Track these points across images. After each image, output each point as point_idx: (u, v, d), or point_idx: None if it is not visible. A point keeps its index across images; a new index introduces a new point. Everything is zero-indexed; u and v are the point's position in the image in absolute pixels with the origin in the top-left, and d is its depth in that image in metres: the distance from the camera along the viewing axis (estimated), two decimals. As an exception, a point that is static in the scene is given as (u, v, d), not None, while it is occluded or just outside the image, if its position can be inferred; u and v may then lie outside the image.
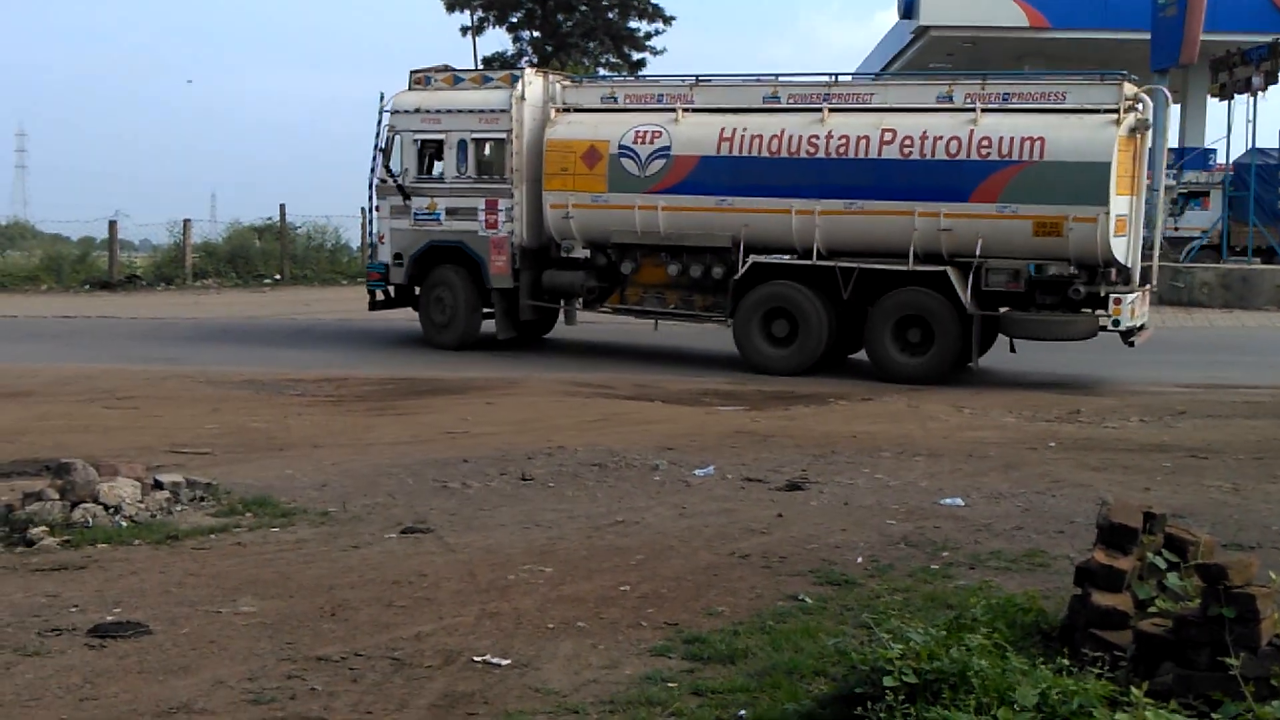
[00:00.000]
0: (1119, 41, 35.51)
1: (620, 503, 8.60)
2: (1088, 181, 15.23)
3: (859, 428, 11.91)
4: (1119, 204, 15.29)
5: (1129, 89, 15.62)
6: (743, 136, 17.16)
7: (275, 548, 7.39)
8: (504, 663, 5.44)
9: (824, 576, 6.79)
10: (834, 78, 17.46)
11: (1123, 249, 15.57)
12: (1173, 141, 34.56)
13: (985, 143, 15.78)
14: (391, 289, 19.75)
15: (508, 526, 7.92)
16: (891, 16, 39.69)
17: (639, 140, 17.76)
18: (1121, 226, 15.46)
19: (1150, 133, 15.68)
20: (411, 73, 19.58)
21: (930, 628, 4.69)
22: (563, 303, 19.10)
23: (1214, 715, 4.05)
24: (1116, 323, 15.41)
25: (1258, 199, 33.20)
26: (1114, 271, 15.61)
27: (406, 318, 20.16)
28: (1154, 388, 15.02)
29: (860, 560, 7.14)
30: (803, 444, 10.92)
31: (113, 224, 32.73)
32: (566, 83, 19.27)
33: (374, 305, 20.12)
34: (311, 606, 6.22)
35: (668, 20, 50.60)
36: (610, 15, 50.77)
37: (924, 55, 39.30)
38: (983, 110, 15.96)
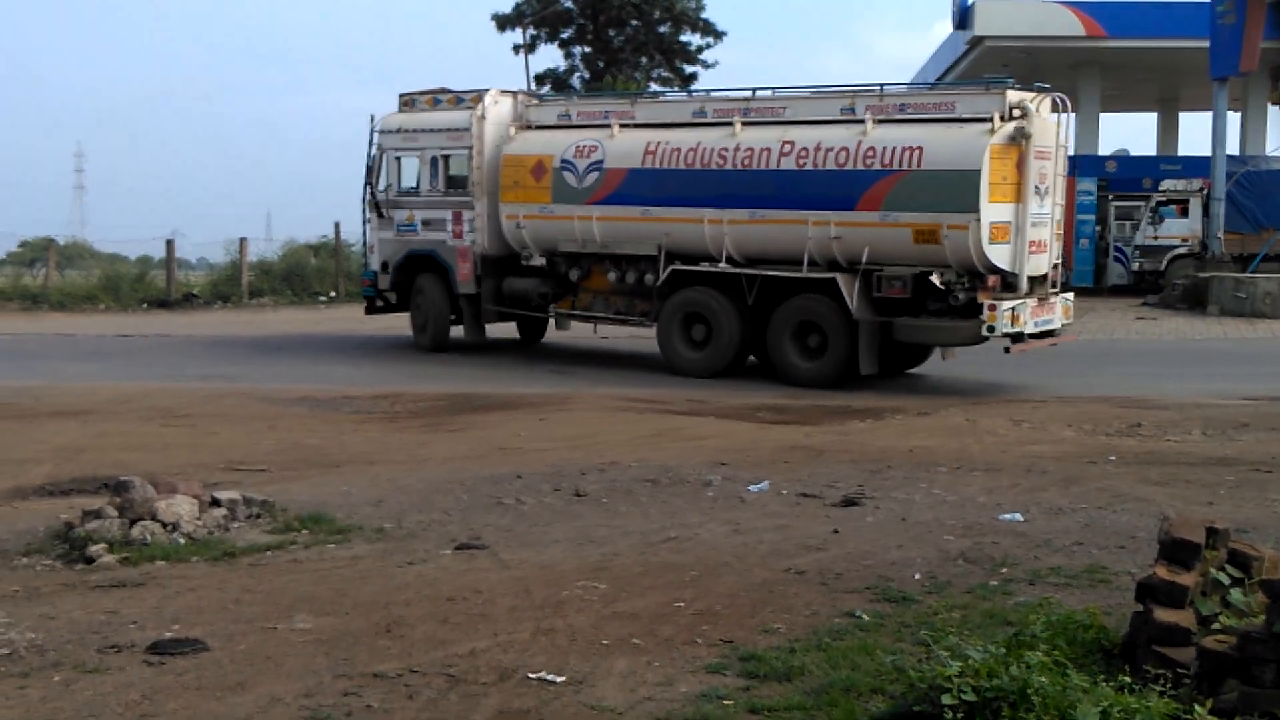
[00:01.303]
0: (1177, 50, 35.23)
1: (674, 519, 8.57)
2: (960, 189, 15.64)
3: (915, 442, 11.82)
4: (994, 211, 15.64)
5: (1013, 97, 16.02)
6: (665, 150, 18.11)
7: (331, 564, 7.42)
8: (559, 680, 5.43)
9: (881, 593, 6.73)
10: (753, 93, 18.25)
11: (1004, 256, 15.85)
12: (1233, 149, 34.27)
13: (870, 153, 16.34)
14: (392, 296, 21.48)
15: (561, 543, 7.91)
16: (949, 27, 39.50)
17: (578, 154, 18.96)
18: (1000, 234, 15.79)
19: (1030, 141, 15.85)
20: (400, 95, 21.33)
21: (989, 645, 4.64)
22: (551, 310, 20.04)
23: (1281, 735, 3.97)
24: (992, 329, 15.73)
25: (1241, 207, 33.06)
26: (993, 278, 15.79)
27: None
28: (1216, 400, 14.81)
29: (918, 577, 7.08)
30: (858, 459, 10.85)
31: (170, 243, 33.12)
32: (533, 101, 20.70)
33: (370, 310, 22.05)
34: (367, 623, 6.24)
35: (718, 35, 50.67)
36: (661, 30, 50.87)
37: (978, 66, 39.09)
38: (875, 122, 16.53)
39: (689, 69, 51.41)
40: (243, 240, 33.17)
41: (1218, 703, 4.14)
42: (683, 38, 51.23)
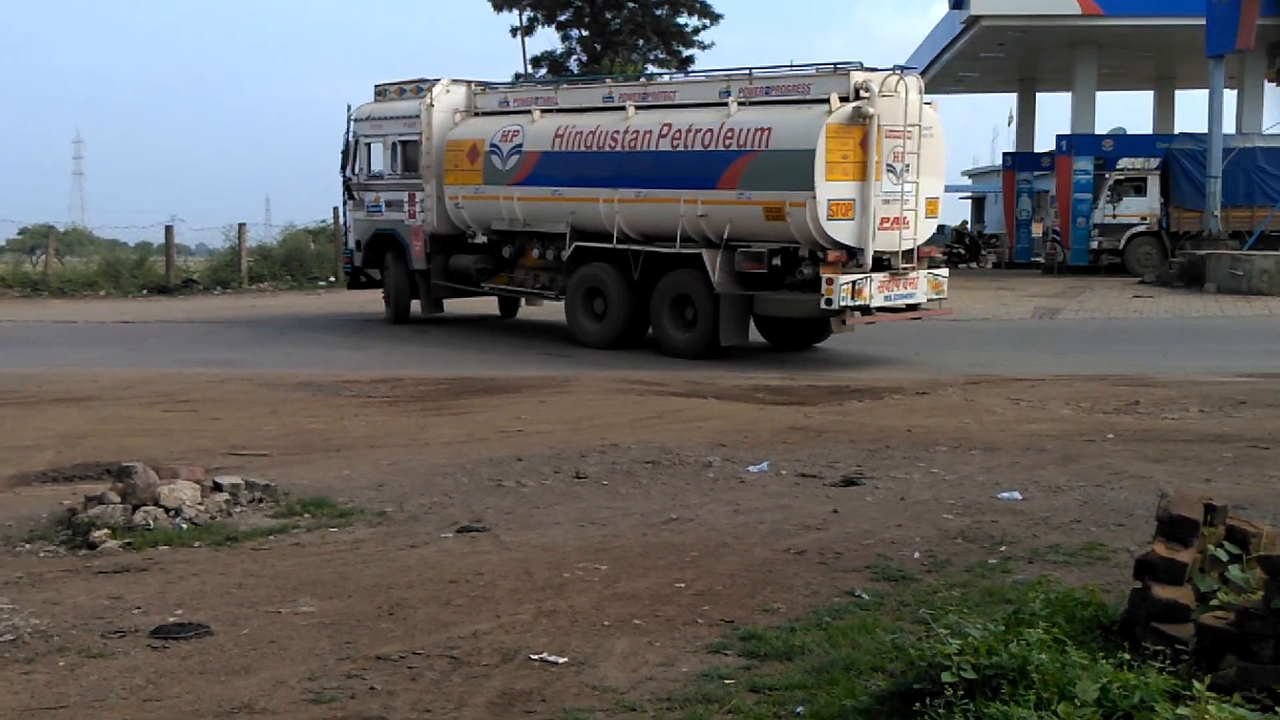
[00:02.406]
0: (1173, 28, 35.14)
1: (674, 500, 8.60)
2: (799, 168, 16.31)
3: (914, 422, 11.85)
4: (833, 189, 16.28)
5: (858, 78, 16.62)
6: (570, 134, 19.38)
7: (333, 548, 7.45)
8: (561, 660, 5.46)
9: (881, 572, 6.76)
10: (648, 78, 19.70)
11: (846, 232, 16.43)
12: (1229, 128, 34.25)
13: (729, 135, 17.24)
14: (376, 273, 23.16)
15: (563, 524, 7.94)
16: (946, 7, 39.40)
17: (503, 139, 20.37)
18: (840, 211, 16.41)
19: (876, 120, 16.41)
20: (375, 86, 23.04)
21: (989, 623, 4.66)
22: (485, 285, 21.42)
23: (1277, 709, 3.99)
24: (830, 302, 16.29)
25: (1196, 184, 33.19)
26: (835, 254, 16.37)
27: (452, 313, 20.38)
28: (1214, 378, 14.83)
29: (917, 555, 7.11)
30: (857, 439, 10.88)
31: (169, 229, 33.10)
32: (479, 90, 21.89)
33: (353, 285, 24.23)
34: (370, 606, 6.27)
35: (715, 18, 50.54)
36: (658, 12, 50.74)
37: (975, 45, 39.04)
38: (739, 105, 17.40)
39: (686, 51, 51.29)
40: (242, 226, 33.16)
41: (1216, 678, 4.16)
42: (679, 20, 51.10)
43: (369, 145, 22.96)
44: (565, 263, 19.33)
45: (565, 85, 21.64)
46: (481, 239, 21.06)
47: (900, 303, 17.24)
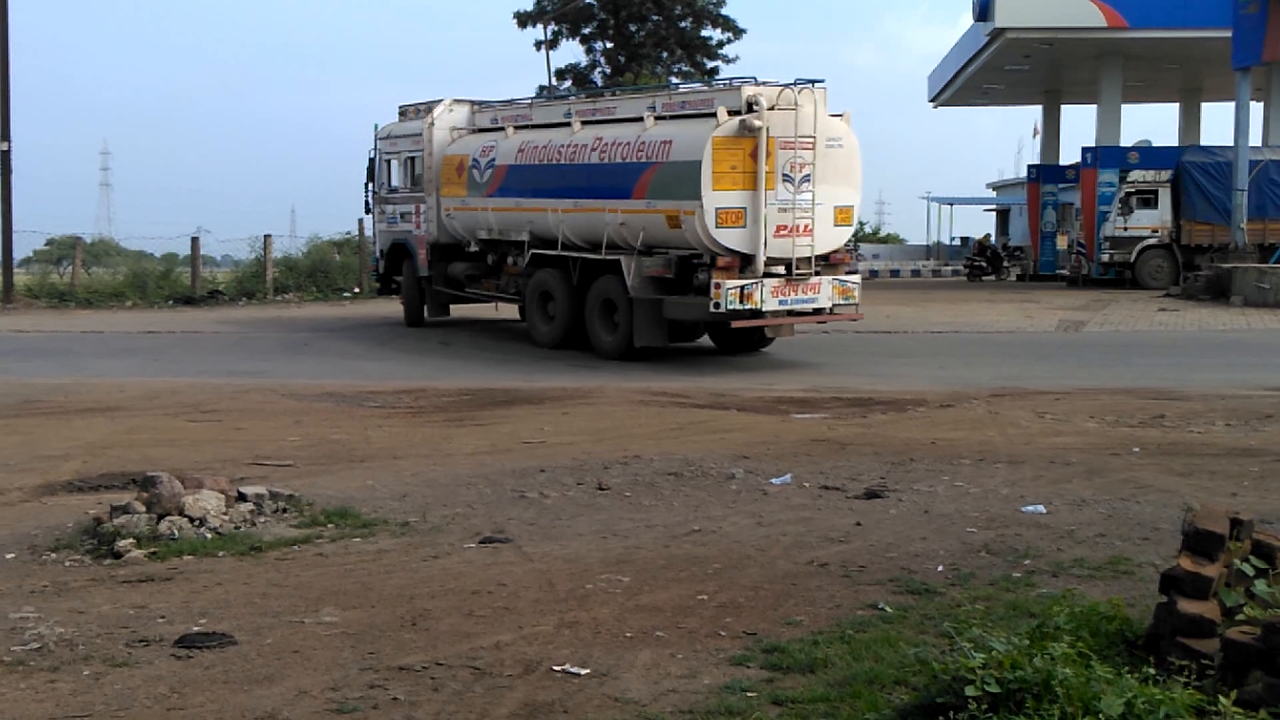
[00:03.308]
0: (1199, 40, 35.03)
1: (697, 512, 8.59)
2: (689, 178, 17.36)
3: (938, 434, 11.81)
4: (721, 198, 17.24)
5: (749, 92, 17.59)
6: (530, 148, 20.86)
7: (357, 558, 7.46)
8: (583, 672, 5.46)
9: (904, 585, 6.74)
10: (600, 94, 20.76)
11: (737, 239, 17.34)
12: (1255, 140, 34.12)
13: (642, 147, 18.37)
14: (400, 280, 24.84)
15: (585, 536, 7.94)
16: (972, 18, 39.31)
17: (483, 154, 21.99)
18: (730, 219, 17.33)
19: (766, 131, 17.28)
20: (399, 107, 24.77)
21: (1013, 636, 4.64)
22: (468, 290, 23.14)
23: (1305, 725, 3.97)
24: (718, 305, 17.15)
25: (1208, 196, 33.02)
26: (725, 259, 17.31)
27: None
28: (1240, 391, 14.75)
29: (941, 569, 7.08)
30: (881, 451, 10.85)
31: (195, 240, 33.30)
32: (477, 109, 23.55)
33: (383, 291, 26.30)
34: (393, 616, 6.28)
35: (739, 32, 50.61)
36: (682, 25, 50.83)
37: (1000, 57, 38.95)
38: (655, 119, 18.54)
39: (710, 63, 51.35)
40: (267, 237, 33.33)
41: (1242, 694, 4.14)
42: (704, 33, 51.16)
43: (388, 161, 24.83)
44: (524, 269, 20.92)
45: (538, 103, 23.02)
46: (475, 248, 22.57)
47: (800, 307, 18.03)
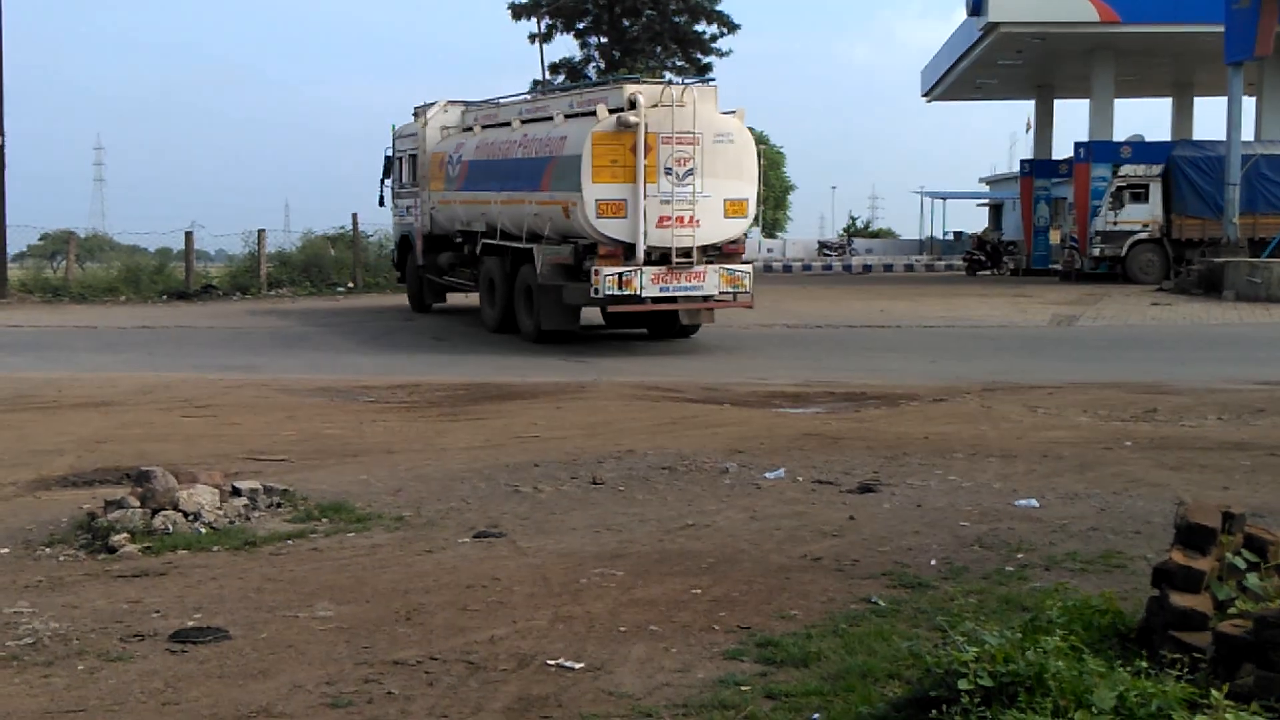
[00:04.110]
0: (1192, 35, 35.07)
1: (690, 506, 8.60)
2: (574, 172, 18.60)
3: (931, 429, 11.83)
4: (601, 190, 18.44)
5: (629, 90, 18.83)
6: (483, 145, 22.57)
7: (351, 553, 7.47)
8: (577, 666, 5.47)
9: (897, 579, 6.75)
10: (540, 94, 22.45)
11: (618, 229, 18.52)
12: (1248, 135, 34.17)
13: (548, 143, 19.78)
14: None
15: (579, 530, 7.95)
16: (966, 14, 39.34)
17: (455, 151, 23.67)
18: (610, 209, 18.49)
19: (644, 127, 18.39)
20: (414, 108, 26.06)
21: (1005, 630, 4.65)
22: (444, 279, 25.00)
23: (1296, 717, 3.99)
24: (597, 291, 18.48)
25: (1199, 191, 33.08)
26: (607, 247, 18.55)
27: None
28: (1232, 385, 14.79)
29: (934, 563, 7.10)
30: (874, 446, 10.87)
31: (189, 235, 33.29)
32: (465, 109, 24.97)
33: (400, 280, 28.43)
34: (387, 611, 6.29)
35: (733, 27, 50.54)
36: (677, 20, 50.76)
37: (993, 52, 38.96)
38: (565, 116, 19.86)
39: (704, 58, 51.28)
40: (261, 232, 33.28)
41: (1234, 687, 4.15)
42: (698, 28, 51.08)
43: (399, 160, 26.76)
44: (477, 258, 22.37)
45: (505, 102, 23.86)
46: (459, 239, 23.82)
47: (683, 294, 19.05)
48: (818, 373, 16.69)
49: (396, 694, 5.18)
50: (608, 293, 18.54)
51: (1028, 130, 49.65)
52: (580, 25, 51.09)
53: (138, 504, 7.91)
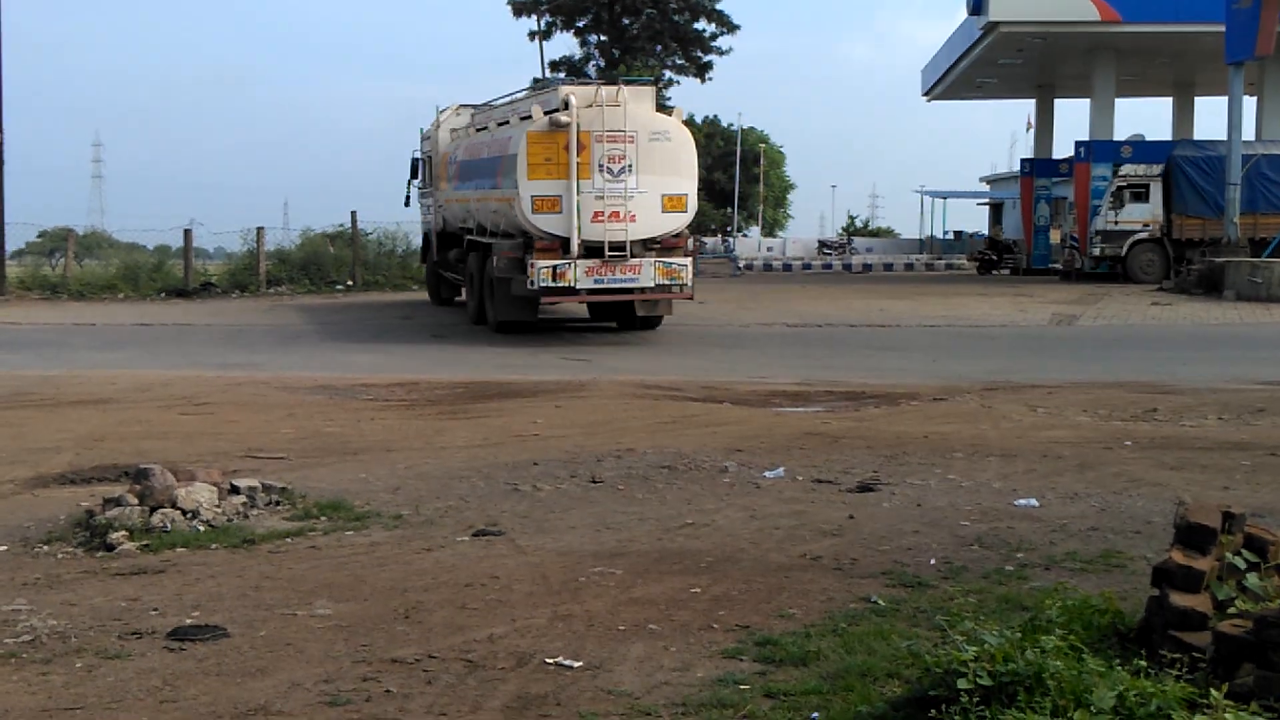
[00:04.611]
0: (1192, 34, 35.07)
1: (690, 505, 8.59)
2: (512, 169, 19.79)
3: (931, 428, 11.83)
4: (536, 187, 19.45)
5: (563, 92, 19.85)
6: (468, 146, 23.92)
7: (349, 551, 7.46)
8: (576, 665, 5.46)
9: (897, 578, 6.74)
10: (516, 95, 22.89)
11: (554, 224, 19.52)
12: (1249, 134, 34.18)
13: (503, 143, 20.90)
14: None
15: (578, 529, 7.95)
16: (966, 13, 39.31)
17: (454, 152, 25.00)
18: (546, 205, 19.50)
19: (576, 126, 19.41)
20: (437, 109, 27.17)
21: (1005, 630, 4.65)
22: (449, 275, 26.39)
23: (1296, 717, 3.98)
24: (533, 283, 19.57)
25: (1199, 190, 33.07)
26: (543, 241, 19.61)
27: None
28: (1232, 385, 14.79)
29: (933, 562, 7.09)
30: (874, 445, 10.86)
31: (188, 233, 33.29)
32: (475, 112, 25.68)
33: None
34: (386, 609, 6.28)
35: (732, 27, 50.57)
36: (676, 18, 50.77)
37: (993, 51, 38.96)
38: (521, 118, 20.77)
39: (704, 57, 51.29)
40: (260, 229, 33.28)
41: (1233, 686, 4.15)
42: (698, 26, 51.10)
43: (423, 161, 28.36)
44: (465, 254, 23.54)
45: (494, 104, 24.52)
46: (463, 236, 24.56)
47: (619, 286, 19.92)
48: (818, 372, 16.69)
49: (395, 692, 5.17)
50: (543, 285, 19.47)
51: (1028, 129, 49.69)
52: (580, 23, 51.16)
53: (136, 502, 7.90)
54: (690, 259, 20.43)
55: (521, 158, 19.44)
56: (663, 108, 20.53)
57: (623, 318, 22.13)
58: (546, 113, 19.51)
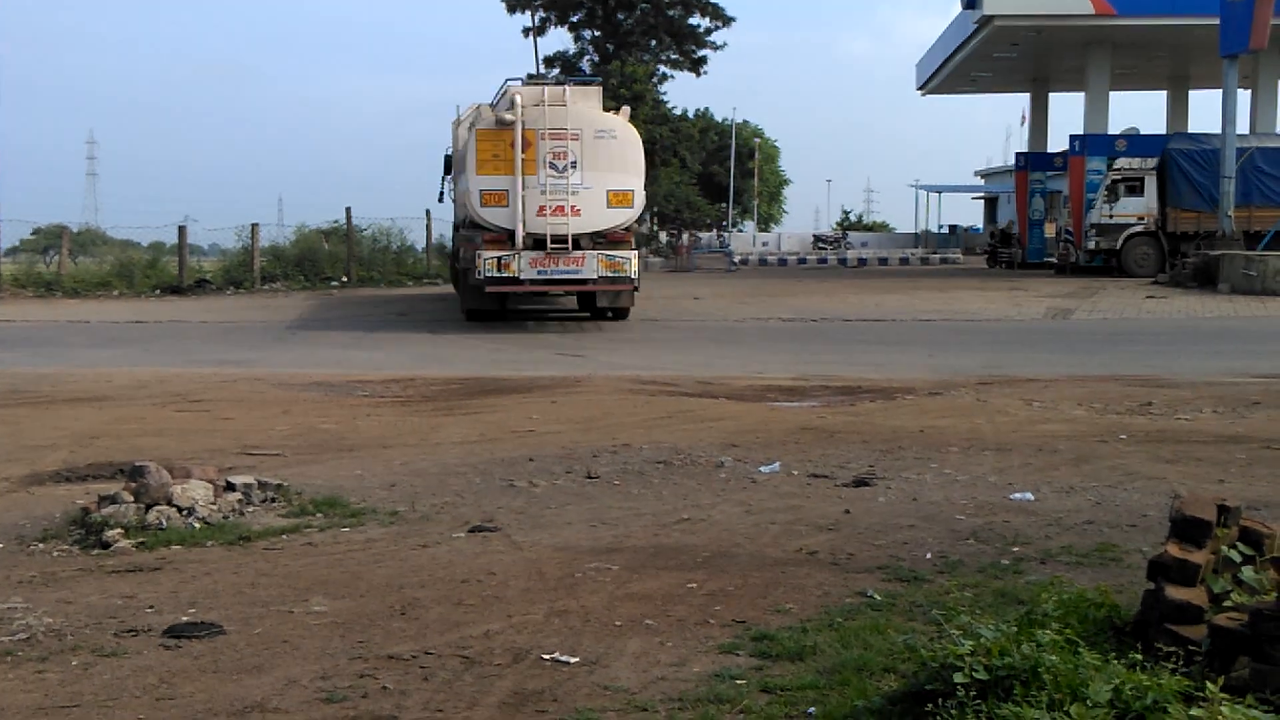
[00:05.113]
0: (1187, 27, 35.10)
1: (686, 500, 8.59)
2: (464, 165, 21.32)
3: (926, 423, 11.83)
4: (484, 181, 20.73)
5: (511, 91, 20.97)
6: (465, 144, 23.45)
7: (345, 547, 7.46)
8: (572, 660, 5.46)
9: (893, 573, 6.75)
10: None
11: (500, 217, 20.72)
12: (1243, 128, 34.21)
13: (463, 139, 21.78)
14: None
15: (574, 525, 7.94)
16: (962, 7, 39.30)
17: (461, 147, 24.72)
18: (493, 199, 20.75)
19: (521, 124, 20.69)
20: (458, 109, 27.69)
21: (1001, 624, 4.65)
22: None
23: (1292, 711, 3.98)
24: (479, 274, 20.62)
25: (1194, 184, 33.10)
26: (489, 234, 20.73)
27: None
28: (1227, 378, 14.80)
29: (929, 556, 7.09)
30: (869, 440, 10.86)
31: (182, 229, 33.23)
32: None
33: None
34: (382, 605, 6.27)
35: (727, 20, 50.51)
36: (671, 13, 50.71)
37: (988, 45, 38.99)
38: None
39: (699, 51, 51.24)
40: (254, 226, 33.29)
41: (1229, 680, 4.15)
42: (692, 20, 51.05)
43: (449, 158, 28.58)
44: (459, 246, 24.73)
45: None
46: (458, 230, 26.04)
47: (562, 277, 21.00)
48: (813, 366, 16.69)
49: (391, 689, 5.17)
50: (488, 275, 20.59)
51: (1023, 123, 49.77)
52: (574, 18, 51.08)
53: (131, 499, 7.89)
54: (635, 252, 21.37)
55: (471, 154, 20.77)
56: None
57: (594, 309, 23.21)
58: (495, 112, 20.88)
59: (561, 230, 20.67)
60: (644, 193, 21.63)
